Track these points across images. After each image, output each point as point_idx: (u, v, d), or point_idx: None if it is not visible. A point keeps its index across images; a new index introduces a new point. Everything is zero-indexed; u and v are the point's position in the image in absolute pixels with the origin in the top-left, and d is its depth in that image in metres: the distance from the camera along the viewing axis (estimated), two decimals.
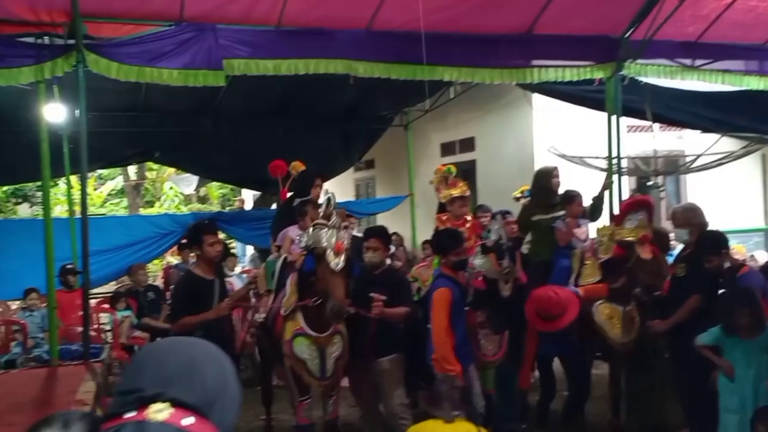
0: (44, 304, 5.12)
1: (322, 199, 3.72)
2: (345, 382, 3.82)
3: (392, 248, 6.86)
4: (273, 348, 3.77)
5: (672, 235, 4.62)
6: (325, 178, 4.61)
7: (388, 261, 5.64)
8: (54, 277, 5.52)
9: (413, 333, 3.67)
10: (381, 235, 3.74)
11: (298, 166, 4.61)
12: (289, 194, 4.77)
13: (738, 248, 6.63)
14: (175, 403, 0.78)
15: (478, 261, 3.63)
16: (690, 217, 3.79)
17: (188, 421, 0.78)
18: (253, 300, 4.18)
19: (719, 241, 3.57)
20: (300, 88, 6.17)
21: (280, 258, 3.96)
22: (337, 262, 3.16)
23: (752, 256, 6.66)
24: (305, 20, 4.35)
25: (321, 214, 3.42)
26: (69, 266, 5.77)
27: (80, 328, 4.27)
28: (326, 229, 3.23)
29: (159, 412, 0.77)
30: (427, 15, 4.39)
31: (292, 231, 4.06)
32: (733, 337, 3.14)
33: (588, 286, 3.85)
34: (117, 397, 0.82)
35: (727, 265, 3.58)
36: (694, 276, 3.58)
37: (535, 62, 4.82)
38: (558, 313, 3.65)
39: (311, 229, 3.33)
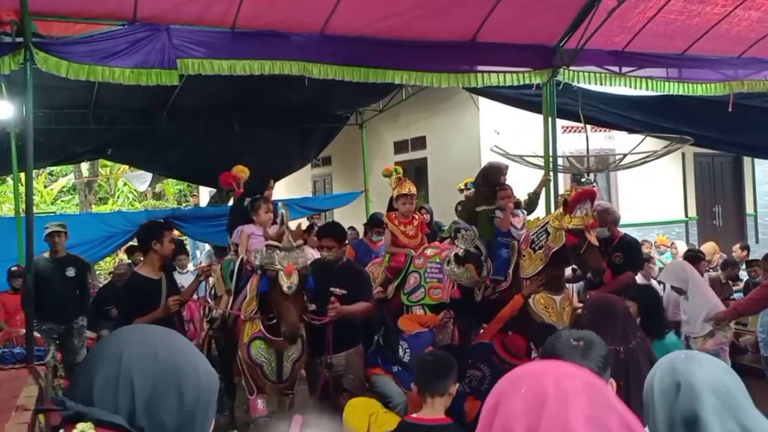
0: None
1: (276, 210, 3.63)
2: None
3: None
4: (232, 349, 3.76)
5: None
6: (278, 179, 4.67)
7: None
8: None
9: (371, 325, 3.70)
10: (333, 233, 3.69)
11: (241, 170, 4.52)
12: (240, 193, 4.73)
13: (660, 239, 7.25)
14: (99, 424, 0.76)
15: (452, 269, 3.64)
16: (605, 217, 4.34)
17: None
18: (212, 302, 4.10)
19: None
20: (257, 87, 6.16)
21: (238, 259, 3.89)
22: (288, 285, 3.11)
23: (673, 243, 7.29)
24: (260, 23, 4.39)
25: (273, 233, 3.30)
26: (16, 268, 5.56)
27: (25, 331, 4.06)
28: (278, 251, 3.16)
29: None
30: (379, 21, 4.64)
31: (248, 227, 4.06)
32: None
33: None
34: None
35: None
36: (629, 262, 4.48)
37: (479, 68, 5.08)
38: None
39: (264, 249, 3.25)
